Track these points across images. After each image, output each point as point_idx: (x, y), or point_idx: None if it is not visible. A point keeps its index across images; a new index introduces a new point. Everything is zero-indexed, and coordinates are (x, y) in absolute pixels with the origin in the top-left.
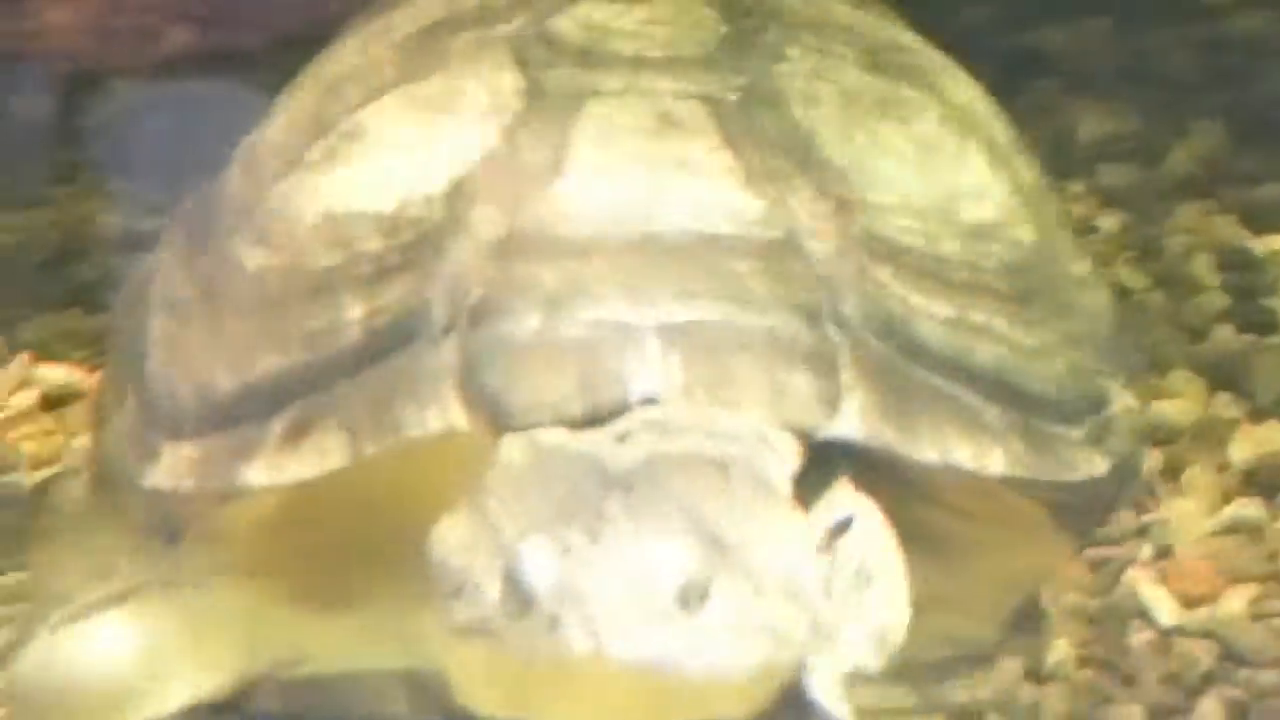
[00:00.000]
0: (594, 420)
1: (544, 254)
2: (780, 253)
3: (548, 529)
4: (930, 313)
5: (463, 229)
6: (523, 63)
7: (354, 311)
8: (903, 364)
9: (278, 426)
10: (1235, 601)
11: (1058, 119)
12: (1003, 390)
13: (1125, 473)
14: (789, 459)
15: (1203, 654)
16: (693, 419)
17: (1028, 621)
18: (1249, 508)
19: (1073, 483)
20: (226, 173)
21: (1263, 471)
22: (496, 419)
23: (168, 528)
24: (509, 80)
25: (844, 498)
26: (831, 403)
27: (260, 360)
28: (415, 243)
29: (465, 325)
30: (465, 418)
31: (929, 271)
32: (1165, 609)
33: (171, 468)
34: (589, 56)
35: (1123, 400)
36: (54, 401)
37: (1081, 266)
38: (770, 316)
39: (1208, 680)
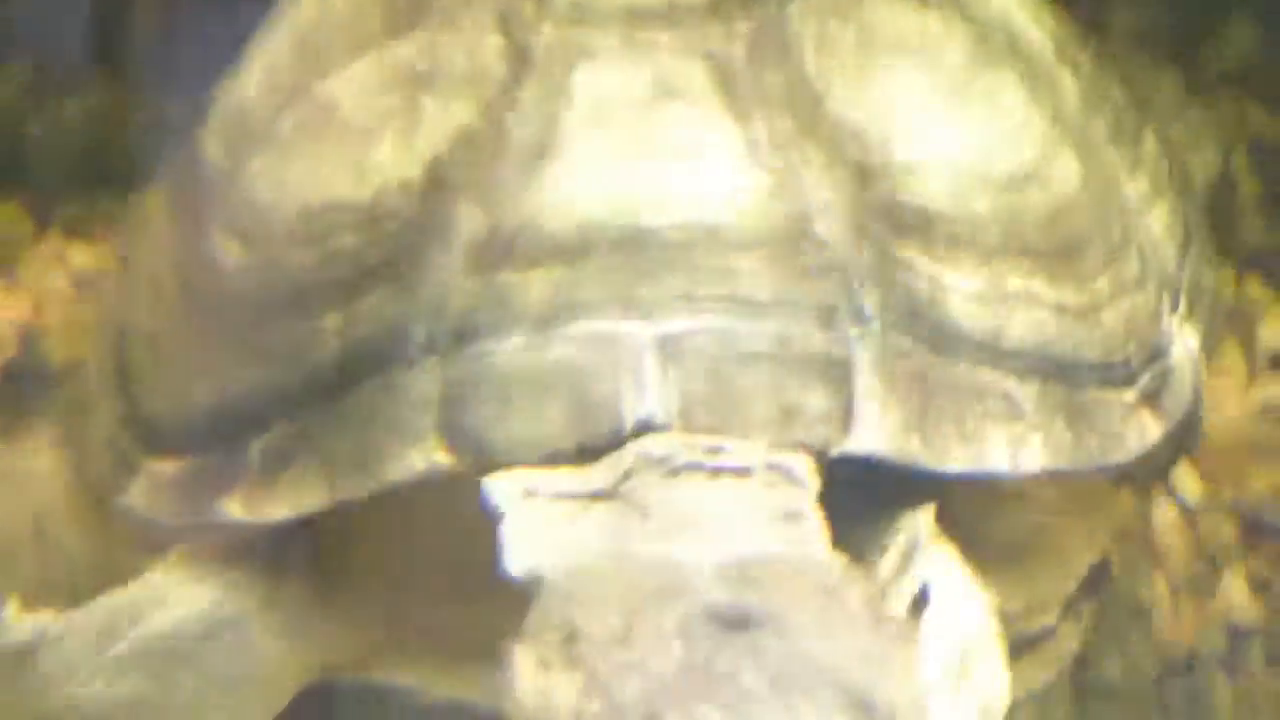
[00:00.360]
0: (587, 453)
1: (529, 259)
2: (790, 240)
3: (681, 708)
4: (961, 288)
5: (443, 230)
6: (507, 21)
7: (331, 321)
8: (929, 357)
9: (256, 455)
10: (1261, 479)
11: (1090, 14)
12: (1044, 364)
13: (1187, 425)
14: (808, 486)
15: (1228, 530)
16: (694, 451)
17: (1094, 582)
18: (1276, 389)
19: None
20: (202, 136)
21: None
22: (481, 458)
23: (151, 540)
24: (492, 44)
25: (924, 557)
26: (845, 418)
27: (238, 374)
28: (393, 241)
29: (446, 347)
30: (448, 457)
31: (960, 238)
32: (1192, 486)
33: (149, 490)
34: (580, 8)
35: (1184, 340)
36: (84, 281)
37: (1138, 183)
38: (777, 321)
39: (1233, 556)
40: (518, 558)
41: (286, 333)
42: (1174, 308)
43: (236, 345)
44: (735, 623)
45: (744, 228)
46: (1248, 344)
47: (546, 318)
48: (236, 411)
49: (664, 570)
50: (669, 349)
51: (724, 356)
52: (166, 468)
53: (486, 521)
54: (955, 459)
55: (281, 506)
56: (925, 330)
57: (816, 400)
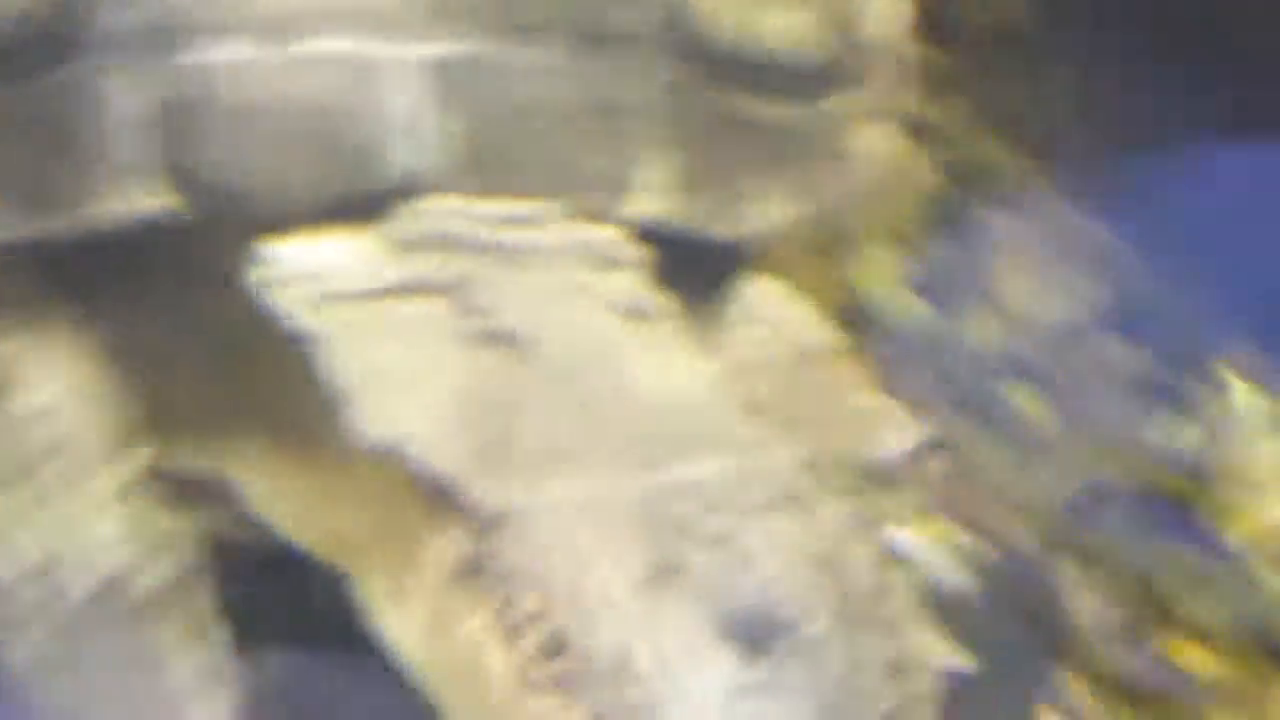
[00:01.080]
0: (344, 208)
1: None
2: None
3: None
4: None
5: None
6: None
7: None
8: (704, 86)
9: None
10: None
11: None
12: (793, 80)
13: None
14: (638, 265)
15: None
16: (494, 225)
17: None
18: None
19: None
20: None
21: None
22: (209, 211)
23: None
24: None
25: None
26: (625, 176)
27: None
28: None
29: (146, 45)
30: (170, 201)
31: None
32: None
33: None
34: None
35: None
36: None
37: None
38: (548, 46)
39: None
40: (371, 422)
41: None
42: None
43: None
44: (753, 643)
45: None
46: None
47: (281, 25)
48: None
49: (617, 519)
50: (433, 83)
51: (494, 94)
52: None
53: (229, 283)
54: (745, 222)
55: None
56: (696, 49)
57: (596, 156)
